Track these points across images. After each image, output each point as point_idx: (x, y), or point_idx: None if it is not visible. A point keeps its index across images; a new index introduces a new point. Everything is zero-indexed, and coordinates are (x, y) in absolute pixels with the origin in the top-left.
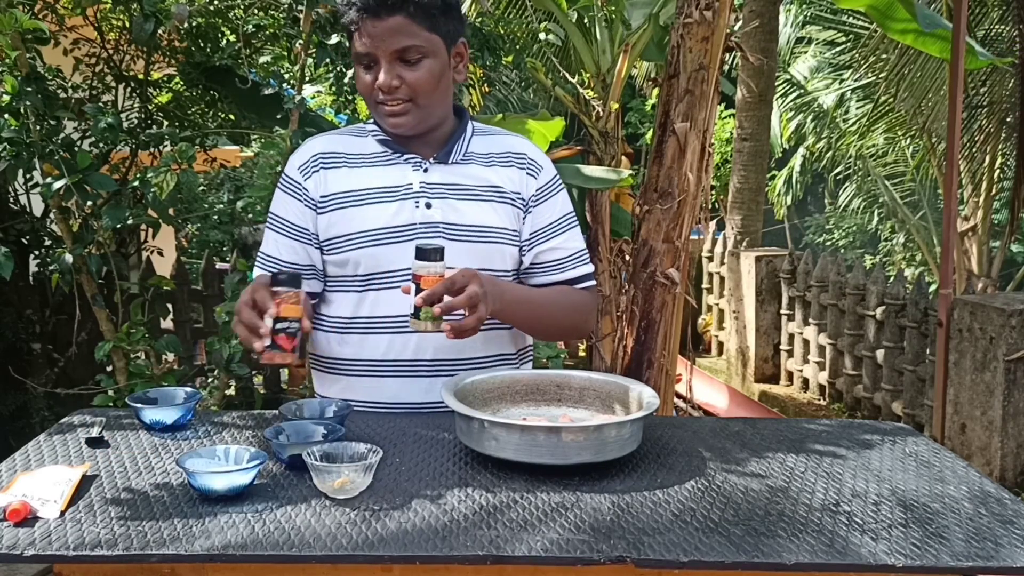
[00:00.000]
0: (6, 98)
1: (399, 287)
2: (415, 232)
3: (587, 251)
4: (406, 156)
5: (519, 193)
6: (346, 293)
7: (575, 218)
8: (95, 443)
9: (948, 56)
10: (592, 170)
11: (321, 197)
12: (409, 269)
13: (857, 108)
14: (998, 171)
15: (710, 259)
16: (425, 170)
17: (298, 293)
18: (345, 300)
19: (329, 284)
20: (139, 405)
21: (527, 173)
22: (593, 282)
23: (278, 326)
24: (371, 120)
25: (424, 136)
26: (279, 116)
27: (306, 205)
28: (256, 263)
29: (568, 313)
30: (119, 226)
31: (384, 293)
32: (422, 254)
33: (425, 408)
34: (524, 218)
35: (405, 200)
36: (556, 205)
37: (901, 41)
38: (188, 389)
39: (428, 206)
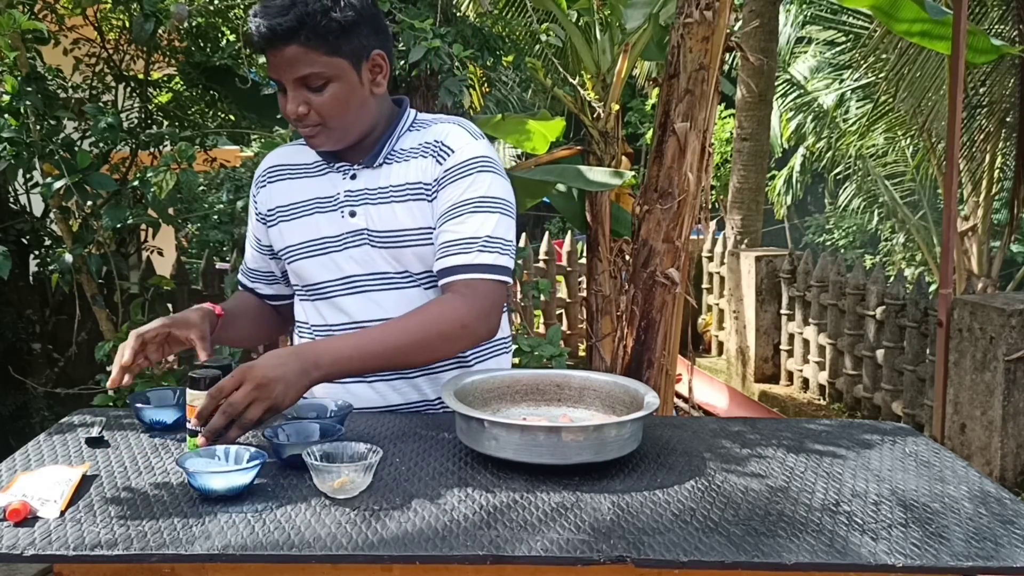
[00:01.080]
0: (6, 98)
1: (335, 297)
2: (342, 242)
3: (491, 240)
4: (337, 165)
5: (428, 184)
6: (301, 302)
7: (491, 204)
8: (95, 443)
9: None
10: (594, 172)
11: (268, 211)
12: (342, 279)
13: (857, 108)
14: (998, 171)
15: (710, 259)
16: (353, 177)
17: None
18: (301, 308)
19: (296, 292)
20: (139, 405)
21: (435, 160)
22: (476, 275)
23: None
24: None
25: (355, 144)
26: (279, 116)
27: (259, 219)
28: (239, 270)
29: (432, 329)
30: (119, 226)
31: (322, 303)
32: (192, 383)
33: (402, 409)
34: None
35: (333, 211)
36: (459, 188)
37: (908, 39)
38: None
39: (352, 214)
